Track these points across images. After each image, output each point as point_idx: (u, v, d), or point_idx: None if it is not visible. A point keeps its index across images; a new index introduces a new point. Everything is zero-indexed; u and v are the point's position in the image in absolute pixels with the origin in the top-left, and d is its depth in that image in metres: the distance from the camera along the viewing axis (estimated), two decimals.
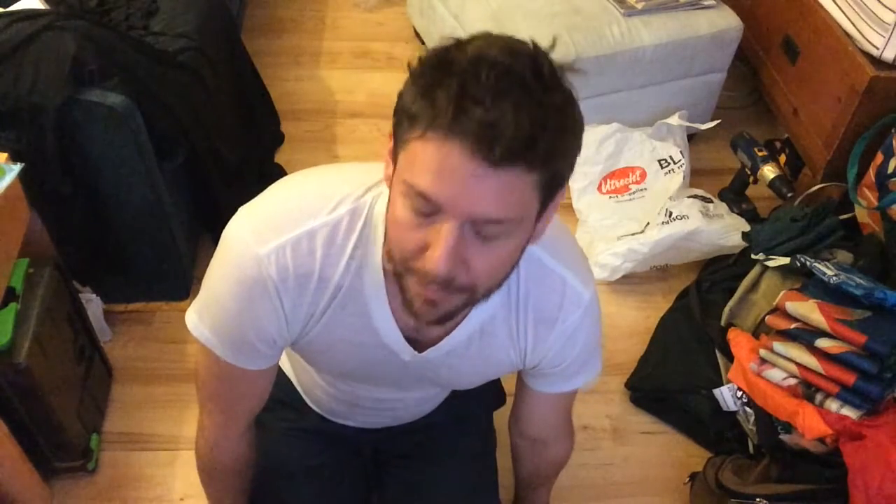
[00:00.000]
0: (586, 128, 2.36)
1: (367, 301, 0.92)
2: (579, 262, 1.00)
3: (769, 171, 1.96)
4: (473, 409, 1.37)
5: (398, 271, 0.81)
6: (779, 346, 1.42)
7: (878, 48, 1.75)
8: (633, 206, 2.06)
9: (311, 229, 0.88)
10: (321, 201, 0.89)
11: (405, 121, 0.74)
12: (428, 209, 0.74)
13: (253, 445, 1.16)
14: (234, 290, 0.90)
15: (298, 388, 1.29)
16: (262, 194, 0.94)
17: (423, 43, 2.60)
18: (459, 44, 0.74)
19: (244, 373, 0.99)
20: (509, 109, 0.69)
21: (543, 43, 0.75)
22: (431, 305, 0.80)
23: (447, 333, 0.97)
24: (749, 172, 2.03)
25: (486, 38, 0.74)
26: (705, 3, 2.09)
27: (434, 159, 0.71)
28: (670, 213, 1.92)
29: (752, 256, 1.67)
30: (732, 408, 1.57)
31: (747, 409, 1.54)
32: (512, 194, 0.73)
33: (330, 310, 0.92)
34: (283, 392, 1.27)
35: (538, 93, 0.70)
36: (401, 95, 0.76)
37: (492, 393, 1.43)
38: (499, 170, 0.70)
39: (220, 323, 0.94)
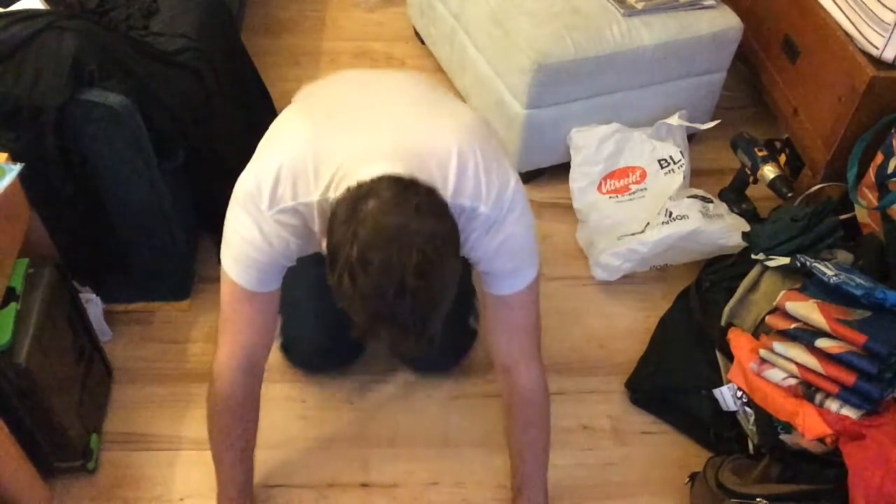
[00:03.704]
0: (587, 128, 2.35)
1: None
2: (476, 183, 1.18)
3: (769, 171, 1.96)
4: None
5: None
6: (779, 346, 1.42)
7: (878, 48, 1.75)
8: (633, 206, 2.06)
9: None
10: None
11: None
12: None
13: (252, 390, 1.36)
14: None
15: None
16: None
17: (422, 43, 2.60)
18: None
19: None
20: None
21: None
22: None
23: None
24: (749, 172, 2.02)
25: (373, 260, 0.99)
26: (705, 3, 2.09)
27: None
28: (670, 213, 1.92)
29: (752, 256, 1.67)
30: (732, 408, 1.57)
31: (747, 409, 1.54)
32: None
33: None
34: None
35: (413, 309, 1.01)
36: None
37: None
38: None
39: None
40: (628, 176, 2.09)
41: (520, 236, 1.25)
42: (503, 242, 1.23)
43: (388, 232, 0.99)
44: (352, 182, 1.08)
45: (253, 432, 1.41)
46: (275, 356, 1.76)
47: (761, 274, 1.64)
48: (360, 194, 1.03)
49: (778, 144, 2.14)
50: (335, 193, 1.12)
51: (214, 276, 1.35)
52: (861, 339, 1.33)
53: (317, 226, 1.17)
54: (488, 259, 1.25)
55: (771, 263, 1.61)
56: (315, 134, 1.17)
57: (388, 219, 0.99)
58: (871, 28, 1.75)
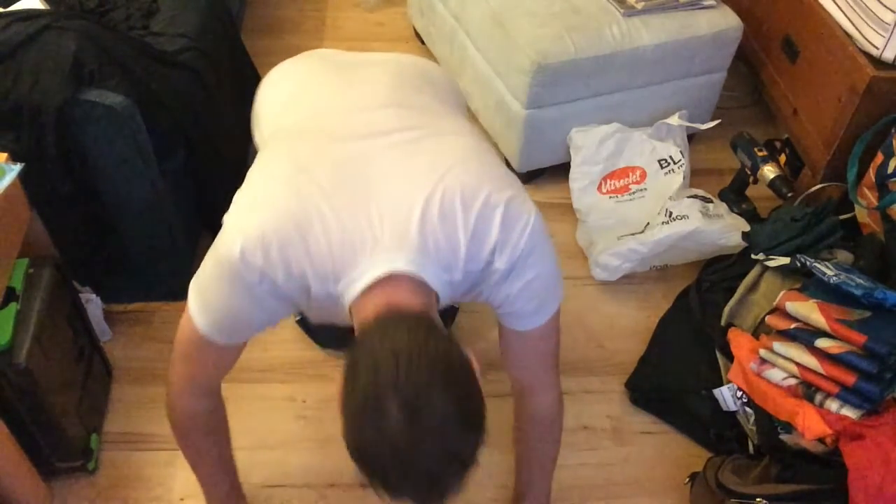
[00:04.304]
0: (587, 128, 2.35)
1: None
2: (490, 242, 1.07)
3: (769, 171, 1.96)
4: None
5: None
6: (779, 346, 1.42)
7: (878, 48, 1.75)
8: (633, 206, 2.06)
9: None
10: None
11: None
12: None
13: (216, 403, 1.28)
14: None
15: None
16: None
17: (423, 43, 2.60)
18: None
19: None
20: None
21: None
22: None
23: None
24: (749, 172, 2.03)
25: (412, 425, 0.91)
26: (705, 3, 2.10)
27: None
28: (670, 213, 1.92)
29: (752, 256, 1.67)
30: (732, 408, 1.57)
31: (747, 409, 1.54)
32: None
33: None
34: None
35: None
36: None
37: None
38: None
39: None
40: (628, 176, 2.09)
41: (541, 278, 1.13)
42: (524, 287, 1.12)
43: (420, 463, 0.93)
44: (352, 281, 1.02)
45: (227, 438, 1.34)
46: (276, 355, 1.76)
47: (761, 274, 1.64)
48: (380, 383, 0.93)
49: (778, 144, 2.14)
50: (335, 287, 1.04)
51: None
52: (861, 339, 1.33)
53: (311, 305, 1.10)
54: (509, 303, 1.14)
55: (771, 263, 1.61)
56: (302, 199, 1.04)
57: (417, 439, 0.91)
58: (871, 28, 1.75)
